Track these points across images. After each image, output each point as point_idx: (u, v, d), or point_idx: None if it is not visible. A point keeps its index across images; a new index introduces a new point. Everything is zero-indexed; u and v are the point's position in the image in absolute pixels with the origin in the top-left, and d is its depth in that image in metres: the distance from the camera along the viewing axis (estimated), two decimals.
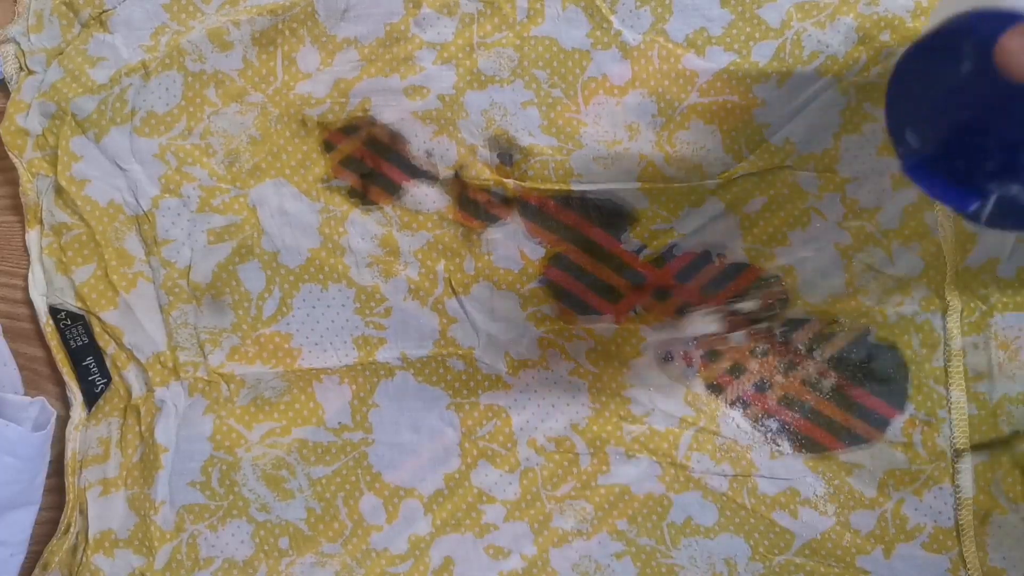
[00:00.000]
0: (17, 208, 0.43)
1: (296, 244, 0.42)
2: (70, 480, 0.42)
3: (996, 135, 0.28)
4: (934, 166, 0.29)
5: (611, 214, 0.41)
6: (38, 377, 0.43)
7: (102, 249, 0.42)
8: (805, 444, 0.41)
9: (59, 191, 0.42)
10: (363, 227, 0.42)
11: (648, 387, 0.42)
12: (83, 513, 0.42)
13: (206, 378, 0.42)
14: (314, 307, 0.42)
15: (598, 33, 0.41)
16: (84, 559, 0.42)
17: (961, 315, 0.40)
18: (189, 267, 0.42)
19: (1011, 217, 0.28)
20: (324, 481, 0.42)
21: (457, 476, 0.42)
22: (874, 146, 0.40)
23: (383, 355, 0.42)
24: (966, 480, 0.40)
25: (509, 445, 0.42)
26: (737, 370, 0.41)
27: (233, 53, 0.42)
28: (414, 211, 0.42)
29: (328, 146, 0.42)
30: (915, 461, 0.40)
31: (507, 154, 0.41)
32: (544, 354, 0.42)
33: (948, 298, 0.40)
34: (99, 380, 0.42)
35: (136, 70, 0.41)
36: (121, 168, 0.42)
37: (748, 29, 0.40)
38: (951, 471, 0.40)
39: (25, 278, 0.42)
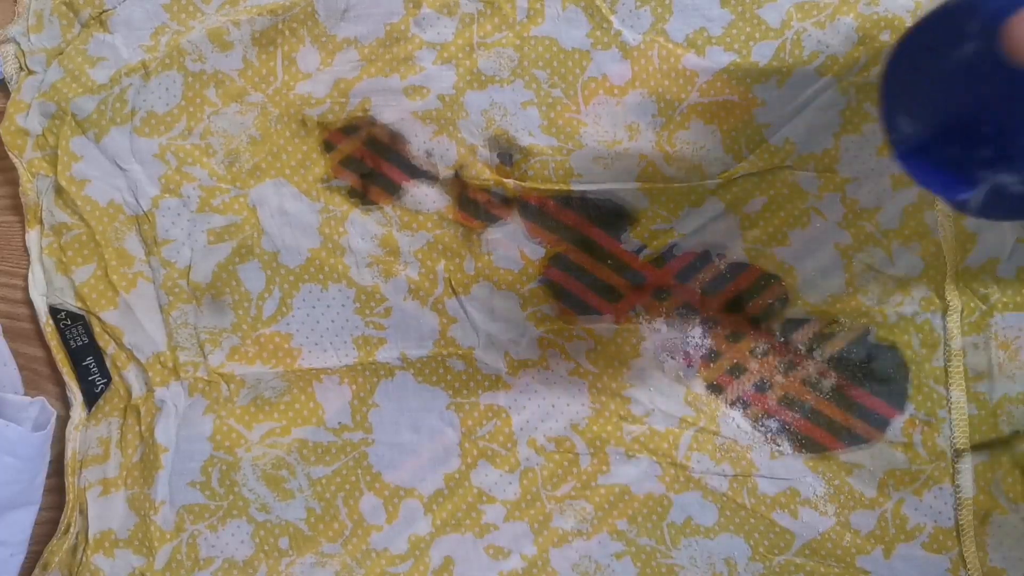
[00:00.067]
0: (17, 208, 0.43)
1: (296, 244, 0.42)
2: (70, 480, 0.42)
3: (993, 122, 0.27)
4: (926, 153, 0.29)
5: (611, 214, 0.41)
6: (38, 377, 0.43)
7: (102, 249, 0.42)
8: (805, 444, 0.41)
9: (59, 191, 0.42)
10: (363, 227, 0.42)
11: (648, 387, 0.42)
12: (83, 513, 0.42)
13: (206, 378, 0.42)
14: (314, 307, 0.42)
15: (598, 33, 0.41)
16: (84, 559, 0.42)
17: (961, 315, 0.40)
18: (189, 267, 0.42)
19: (1002, 207, 0.28)
20: (324, 481, 0.42)
21: (457, 476, 0.42)
22: (874, 146, 0.40)
23: (383, 355, 0.42)
24: (966, 480, 0.40)
25: (509, 445, 0.42)
26: (737, 370, 0.41)
27: (233, 53, 0.42)
28: (414, 211, 0.42)
29: (328, 146, 0.42)
30: (915, 461, 0.40)
31: (507, 154, 0.41)
32: (544, 354, 0.42)
33: (948, 298, 0.40)
34: (99, 380, 0.42)
35: (136, 70, 0.41)
36: (121, 168, 0.42)
37: (748, 29, 0.40)
38: (951, 471, 0.40)
39: (25, 278, 0.42)
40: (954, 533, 0.40)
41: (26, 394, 0.43)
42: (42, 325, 0.42)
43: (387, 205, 0.42)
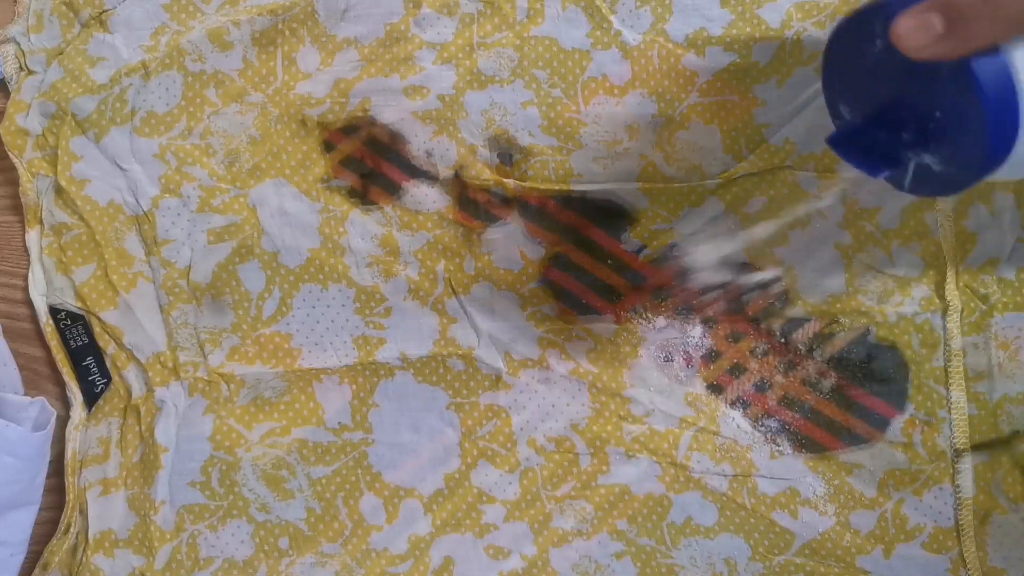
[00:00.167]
0: (17, 208, 0.43)
1: (296, 244, 0.42)
2: (70, 480, 0.42)
3: (910, 107, 0.29)
4: (858, 137, 0.31)
5: (611, 214, 0.41)
6: (38, 377, 0.43)
7: (102, 249, 0.42)
8: (805, 444, 0.41)
9: (59, 191, 0.42)
10: (363, 227, 0.42)
11: (648, 387, 0.42)
12: (83, 513, 0.42)
13: (206, 378, 0.42)
14: (314, 307, 0.42)
15: (598, 33, 0.41)
16: (84, 559, 0.42)
17: (961, 315, 0.40)
18: (189, 267, 0.42)
19: (929, 185, 0.30)
20: (324, 481, 0.42)
21: (457, 476, 0.42)
22: None
23: (383, 355, 0.42)
24: (966, 480, 0.40)
25: (509, 445, 0.42)
26: (737, 370, 0.41)
27: (233, 53, 0.42)
28: (414, 211, 0.42)
29: (328, 146, 0.42)
30: (915, 461, 0.40)
31: (507, 154, 0.41)
32: (544, 354, 0.42)
33: (948, 298, 0.40)
34: (99, 380, 0.42)
35: (136, 70, 0.41)
36: (121, 168, 0.42)
37: (748, 29, 0.40)
38: (951, 471, 0.40)
39: (25, 278, 0.42)
40: (954, 533, 0.40)
41: (26, 394, 0.43)
42: (42, 325, 0.42)
43: (387, 205, 0.42)
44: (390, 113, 0.41)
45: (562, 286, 0.42)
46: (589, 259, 0.42)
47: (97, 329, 0.42)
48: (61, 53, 0.41)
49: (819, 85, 0.39)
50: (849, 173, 0.40)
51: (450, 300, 0.42)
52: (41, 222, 0.42)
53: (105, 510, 0.42)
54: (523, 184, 0.41)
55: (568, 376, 0.42)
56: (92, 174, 0.42)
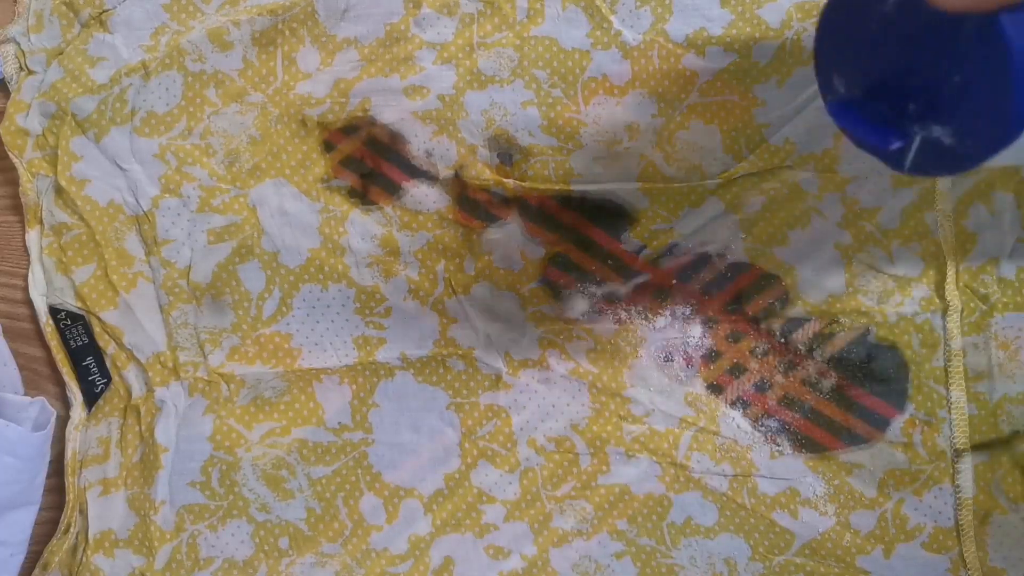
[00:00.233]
0: (17, 208, 0.43)
1: (296, 244, 0.42)
2: (70, 480, 0.42)
3: (919, 75, 0.27)
4: (859, 109, 0.29)
5: (611, 214, 0.41)
6: (38, 377, 0.43)
7: (102, 249, 0.42)
8: (805, 444, 0.41)
9: (59, 191, 0.42)
10: (363, 227, 0.42)
11: (648, 387, 0.42)
12: (83, 513, 0.42)
13: (206, 378, 0.42)
14: (314, 307, 0.42)
15: (598, 33, 0.41)
16: (84, 559, 0.42)
17: (961, 315, 0.40)
18: (189, 267, 0.42)
19: (935, 161, 0.28)
20: (324, 481, 0.42)
21: (457, 476, 0.42)
22: None
23: (383, 355, 0.42)
24: (966, 480, 0.40)
25: (509, 445, 0.42)
26: (737, 370, 0.41)
27: (233, 53, 0.42)
28: (414, 211, 0.42)
29: (328, 146, 0.42)
30: (915, 461, 0.40)
31: (507, 154, 0.41)
32: (544, 354, 0.42)
33: (948, 298, 0.40)
34: (99, 380, 0.42)
35: (136, 70, 0.41)
36: (121, 168, 0.42)
37: (748, 29, 0.40)
38: (951, 471, 0.40)
39: (25, 278, 0.42)
40: (954, 533, 0.40)
41: (26, 394, 0.43)
42: (42, 325, 0.42)
43: (387, 205, 0.42)
44: (390, 113, 0.41)
45: (562, 286, 0.42)
46: (589, 259, 0.42)
47: (97, 329, 0.42)
48: (61, 53, 0.41)
49: None
50: (849, 172, 0.40)
51: (450, 300, 0.42)
52: (41, 222, 0.42)
53: (105, 510, 0.42)
54: (523, 184, 0.41)
55: (568, 376, 0.42)
56: (92, 174, 0.42)
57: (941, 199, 0.40)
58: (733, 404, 0.41)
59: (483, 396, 0.42)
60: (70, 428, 0.42)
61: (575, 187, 0.41)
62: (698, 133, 0.41)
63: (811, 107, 0.40)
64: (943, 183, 0.40)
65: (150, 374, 0.42)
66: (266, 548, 0.42)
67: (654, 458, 0.41)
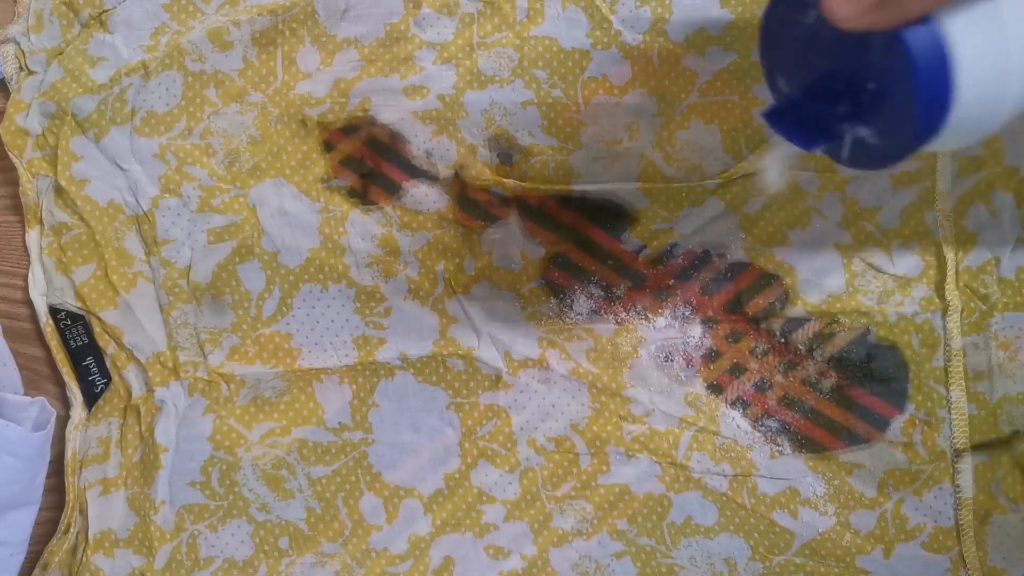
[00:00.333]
0: (17, 208, 0.43)
1: (296, 244, 0.42)
2: (70, 480, 0.42)
3: (844, 80, 0.28)
4: (794, 111, 0.30)
5: (611, 214, 0.41)
6: (38, 377, 0.43)
7: (102, 249, 0.42)
8: (805, 444, 0.41)
9: (59, 191, 0.42)
10: (363, 227, 0.42)
11: (648, 387, 0.42)
12: (83, 513, 0.42)
13: (206, 378, 0.42)
14: (314, 307, 0.42)
15: (598, 33, 0.41)
16: (84, 559, 0.42)
17: (961, 315, 0.40)
18: (189, 267, 0.42)
19: (866, 158, 0.29)
20: (324, 481, 0.42)
21: (457, 476, 0.42)
22: None
23: (383, 355, 0.42)
24: (966, 480, 0.40)
25: (509, 445, 0.42)
26: (737, 370, 0.41)
27: (233, 53, 0.42)
28: (414, 211, 0.42)
29: (328, 146, 0.42)
30: (915, 461, 0.40)
31: (507, 154, 0.41)
32: (544, 354, 0.42)
33: (948, 298, 0.40)
34: (99, 380, 0.42)
35: (136, 70, 0.41)
36: (121, 168, 0.42)
37: (748, 29, 0.40)
38: (951, 471, 0.40)
39: (25, 278, 0.42)
40: (954, 533, 0.40)
41: (26, 394, 0.43)
42: (42, 325, 0.42)
43: (387, 205, 0.42)
44: (390, 113, 0.41)
45: (562, 286, 0.42)
46: (589, 259, 0.42)
47: (97, 329, 0.42)
48: (61, 53, 0.41)
49: None
50: (849, 172, 0.40)
51: (450, 300, 0.42)
52: (41, 222, 0.42)
53: (105, 510, 0.42)
54: (523, 184, 0.41)
55: (568, 376, 0.42)
56: (92, 174, 0.42)
57: (941, 199, 0.40)
58: (733, 404, 0.41)
59: (483, 396, 0.42)
60: (70, 428, 0.42)
61: (575, 187, 0.41)
62: (698, 133, 0.41)
63: None
64: (943, 183, 0.40)
65: (150, 374, 0.42)
66: (266, 548, 0.42)
67: (654, 458, 0.41)
